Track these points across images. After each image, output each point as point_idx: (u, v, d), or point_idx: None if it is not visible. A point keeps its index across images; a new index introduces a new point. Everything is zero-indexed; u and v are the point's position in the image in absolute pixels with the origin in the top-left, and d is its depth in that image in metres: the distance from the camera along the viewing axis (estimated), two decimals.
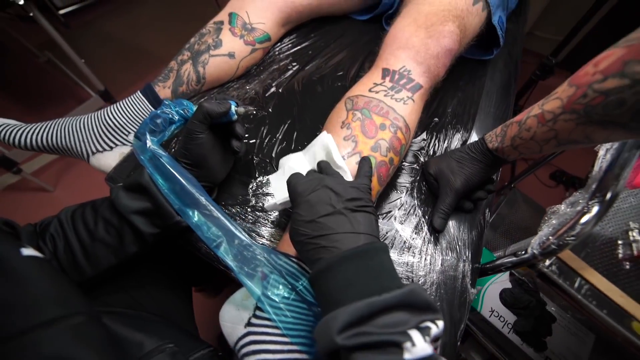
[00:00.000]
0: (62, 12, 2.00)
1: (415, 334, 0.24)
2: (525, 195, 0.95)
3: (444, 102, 0.66)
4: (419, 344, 0.24)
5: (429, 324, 0.25)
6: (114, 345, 0.31)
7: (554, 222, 0.38)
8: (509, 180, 1.00)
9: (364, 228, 0.32)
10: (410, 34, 0.53)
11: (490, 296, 0.71)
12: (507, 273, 0.72)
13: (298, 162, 0.46)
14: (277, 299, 0.36)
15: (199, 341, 0.43)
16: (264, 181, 0.53)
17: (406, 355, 0.23)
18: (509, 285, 0.71)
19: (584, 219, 0.35)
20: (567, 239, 0.35)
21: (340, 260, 0.29)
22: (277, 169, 0.46)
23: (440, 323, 0.26)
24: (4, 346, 0.24)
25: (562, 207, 0.40)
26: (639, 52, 0.28)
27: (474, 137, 0.62)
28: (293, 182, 0.37)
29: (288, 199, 0.40)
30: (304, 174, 0.39)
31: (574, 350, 0.64)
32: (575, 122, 0.34)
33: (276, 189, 0.46)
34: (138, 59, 1.99)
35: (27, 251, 0.31)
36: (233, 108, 0.43)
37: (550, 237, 0.36)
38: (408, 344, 0.24)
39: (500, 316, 0.69)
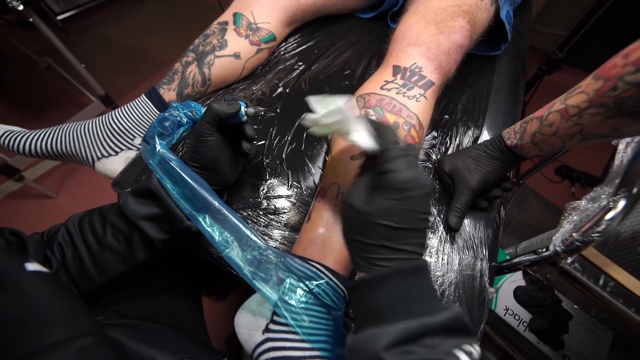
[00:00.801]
0: (60, 17, 2.00)
1: (462, 356, 0.24)
2: (535, 192, 0.94)
3: (454, 99, 0.65)
4: None
5: (470, 348, 0.25)
6: None
7: (575, 218, 0.37)
8: (517, 177, 0.99)
9: (423, 243, 0.30)
10: (420, 30, 0.53)
11: (504, 294, 0.70)
12: (521, 271, 0.71)
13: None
14: (294, 304, 0.35)
15: (212, 351, 0.42)
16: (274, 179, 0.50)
17: None
18: (522, 282, 0.71)
19: (609, 215, 0.34)
20: (593, 235, 0.34)
21: (399, 274, 0.27)
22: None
23: (478, 348, 0.26)
24: None
25: (583, 202, 0.39)
26: None
27: (485, 134, 0.61)
28: (402, 155, 0.29)
29: (373, 145, 0.31)
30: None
31: (592, 348, 0.63)
32: (603, 115, 0.33)
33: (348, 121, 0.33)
34: (138, 63, 1.98)
35: (32, 266, 0.29)
36: (243, 109, 0.42)
37: (574, 234, 0.35)
38: None
39: (515, 314, 0.68)
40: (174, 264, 0.58)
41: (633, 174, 0.37)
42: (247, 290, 0.38)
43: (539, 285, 0.69)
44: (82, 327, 0.28)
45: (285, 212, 0.49)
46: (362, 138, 0.32)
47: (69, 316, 0.28)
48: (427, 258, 0.46)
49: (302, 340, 0.33)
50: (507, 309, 0.68)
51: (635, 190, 0.35)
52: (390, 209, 0.28)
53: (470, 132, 0.61)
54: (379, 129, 0.32)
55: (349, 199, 0.30)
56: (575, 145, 0.40)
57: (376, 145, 0.31)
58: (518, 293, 0.69)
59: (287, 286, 0.36)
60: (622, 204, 0.35)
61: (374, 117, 0.37)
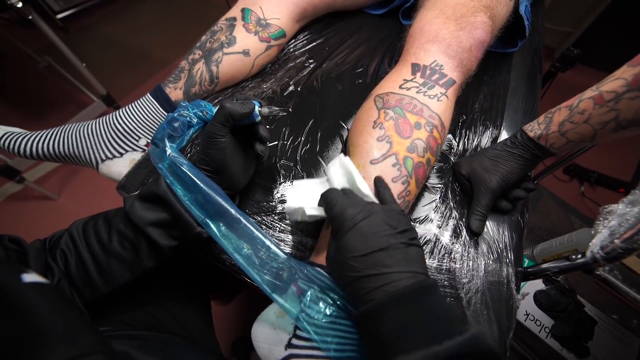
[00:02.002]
0: (59, 16, 1.98)
1: None
2: (551, 193, 0.92)
3: (471, 98, 0.63)
4: None
5: None
6: None
7: (613, 223, 0.35)
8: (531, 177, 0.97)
9: (418, 266, 0.29)
10: (439, 26, 0.50)
11: (524, 298, 0.68)
12: None
13: (314, 190, 0.40)
14: (318, 317, 0.32)
15: None
16: (286, 187, 0.49)
17: None
18: (542, 286, 0.68)
19: None
20: (639, 242, 0.32)
21: (393, 301, 0.26)
22: (291, 191, 0.41)
23: None
24: None
25: (620, 206, 0.36)
26: None
27: (504, 134, 0.59)
28: (337, 201, 0.32)
29: (321, 213, 0.36)
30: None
31: (618, 355, 0.61)
32: None
33: (301, 197, 0.40)
34: (138, 62, 1.96)
35: (30, 277, 0.27)
36: (257, 109, 0.40)
37: (616, 241, 0.33)
38: None
39: (537, 320, 0.65)
40: (182, 269, 0.56)
41: None
42: (254, 294, 0.36)
43: (560, 289, 0.67)
44: (87, 345, 0.25)
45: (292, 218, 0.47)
46: (316, 211, 0.37)
47: (72, 333, 0.26)
48: (452, 264, 0.44)
49: (329, 358, 0.31)
50: (527, 314, 0.66)
51: None
52: (347, 242, 0.29)
53: (488, 132, 0.59)
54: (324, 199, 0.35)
55: (327, 255, 0.33)
56: (607, 136, 0.39)
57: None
58: (539, 297, 0.67)
59: (309, 298, 0.33)
60: None
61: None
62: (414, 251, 0.29)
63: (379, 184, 0.36)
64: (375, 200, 0.35)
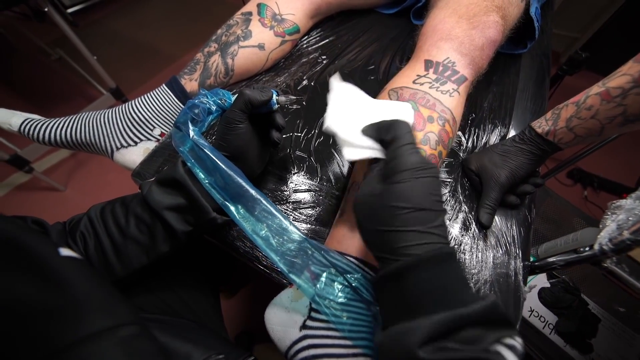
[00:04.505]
0: (70, 10, 2.00)
1: (504, 351, 0.22)
2: (555, 193, 0.93)
3: (480, 97, 0.64)
4: None
5: (512, 341, 0.23)
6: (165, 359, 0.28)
7: (621, 217, 0.36)
8: None
9: (446, 231, 0.29)
10: (452, 25, 0.51)
11: (529, 295, 0.68)
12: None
13: (367, 110, 0.36)
14: (333, 298, 0.33)
15: (239, 349, 0.40)
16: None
17: None
18: (547, 283, 0.69)
19: None
20: None
21: (433, 261, 0.25)
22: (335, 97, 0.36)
23: (520, 340, 0.24)
24: None
25: (628, 201, 0.37)
26: None
27: (512, 132, 0.60)
28: (406, 140, 0.30)
29: (375, 151, 0.33)
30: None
31: (621, 352, 0.62)
32: None
33: (345, 120, 0.35)
34: (147, 56, 1.98)
35: (65, 251, 0.28)
36: (274, 97, 0.41)
37: (625, 232, 0.34)
38: None
39: (541, 316, 0.66)
40: (193, 258, 0.57)
41: None
42: (258, 287, 0.36)
43: (564, 287, 0.67)
44: (123, 315, 0.27)
45: (315, 206, 0.48)
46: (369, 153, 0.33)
47: (109, 304, 0.27)
48: (461, 255, 0.45)
49: (344, 337, 0.32)
50: (532, 310, 0.67)
51: None
52: (405, 190, 0.27)
53: (497, 131, 0.60)
54: (387, 126, 0.32)
55: (362, 193, 0.30)
56: (614, 130, 0.40)
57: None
58: (543, 295, 0.67)
59: (324, 280, 0.34)
60: None
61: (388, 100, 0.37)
62: (444, 217, 0.29)
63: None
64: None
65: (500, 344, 0.22)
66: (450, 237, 0.46)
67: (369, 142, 0.33)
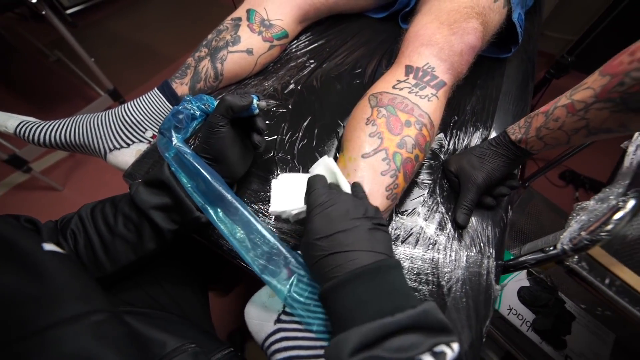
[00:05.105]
0: (69, 11, 2.02)
1: None
2: (541, 195, 0.94)
3: (463, 100, 0.66)
4: None
5: (444, 348, 0.24)
6: (135, 344, 0.30)
7: (583, 218, 0.38)
8: (522, 179, 1.00)
9: (382, 247, 0.31)
10: (433, 31, 0.53)
11: (508, 294, 0.70)
12: (525, 271, 0.71)
13: (300, 183, 0.42)
14: (302, 299, 0.35)
15: (218, 341, 0.42)
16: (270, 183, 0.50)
17: None
18: (526, 283, 0.71)
19: (618, 215, 0.35)
20: (601, 234, 0.35)
21: (352, 277, 0.28)
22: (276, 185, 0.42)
23: (456, 346, 0.25)
24: (25, 343, 0.24)
25: (591, 203, 0.39)
26: None
27: (493, 135, 0.62)
28: (316, 188, 0.35)
29: (303, 209, 0.39)
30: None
31: (594, 349, 0.64)
32: (609, 110, 0.34)
33: (282, 198, 0.41)
34: (145, 58, 2.00)
35: (49, 246, 0.31)
36: (255, 102, 0.43)
37: (582, 233, 0.36)
38: None
39: (519, 314, 0.68)
40: (182, 256, 0.59)
41: None
42: (251, 286, 0.38)
43: (542, 286, 0.69)
44: (96, 303, 0.29)
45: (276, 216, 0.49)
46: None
47: (85, 293, 0.29)
48: (435, 254, 0.47)
49: (311, 331, 0.34)
50: (510, 309, 0.69)
51: None
52: (317, 226, 0.31)
53: (478, 133, 0.62)
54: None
55: (301, 242, 0.35)
56: (581, 140, 0.41)
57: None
58: (522, 293, 0.69)
59: (294, 281, 0.36)
60: (631, 204, 0.35)
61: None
62: (380, 234, 0.32)
63: (354, 186, 0.38)
64: None
65: (429, 351, 0.24)
66: (426, 235, 0.48)
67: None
